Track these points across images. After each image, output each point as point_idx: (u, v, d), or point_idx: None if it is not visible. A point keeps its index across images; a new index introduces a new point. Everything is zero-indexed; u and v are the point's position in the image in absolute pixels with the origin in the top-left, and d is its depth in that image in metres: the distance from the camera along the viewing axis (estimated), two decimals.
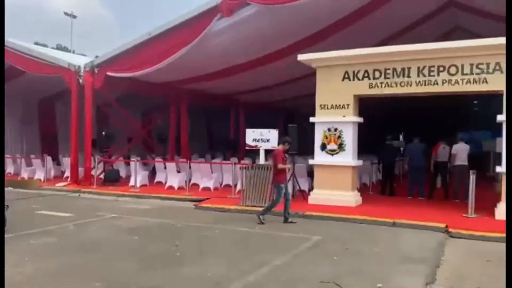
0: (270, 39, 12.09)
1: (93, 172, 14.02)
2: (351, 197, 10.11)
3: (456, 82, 9.07)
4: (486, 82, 8.79)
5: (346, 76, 10.12)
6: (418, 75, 9.41)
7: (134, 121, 16.99)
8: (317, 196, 10.24)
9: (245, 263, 5.71)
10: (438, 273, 5.34)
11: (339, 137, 10.23)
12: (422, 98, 11.66)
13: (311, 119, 10.55)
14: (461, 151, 11.02)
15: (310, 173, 11.32)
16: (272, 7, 10.56)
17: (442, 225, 7.86)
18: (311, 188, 10.99)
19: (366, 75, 9.93)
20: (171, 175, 13.15)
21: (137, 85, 14.62)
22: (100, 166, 14.62)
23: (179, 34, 11.85)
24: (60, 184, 13.77)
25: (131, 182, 13.35)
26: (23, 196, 11.73)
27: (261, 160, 10.84)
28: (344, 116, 10.14)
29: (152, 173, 14.92)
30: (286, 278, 5.13)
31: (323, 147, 10.38)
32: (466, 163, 10.87)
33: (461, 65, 9.02)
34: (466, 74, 8.97)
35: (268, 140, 10.75)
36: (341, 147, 10.21)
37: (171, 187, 12.87)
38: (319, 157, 10.43)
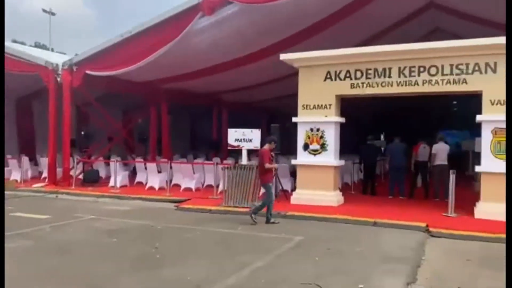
0: (252, 38, 12.02)
1: (71, 173, 13.73)
2: (333, 197, 10.13)
3: (436, 82, 9.17)
4: (466, 82, 8.91)
5: (328, 76, 10.13)
6: (399, 76, 9.48)
7: (114, 120, 16.69)
8: (300, 196, 10.23)
9: (226, 265, 5.63)
10: (418, 273, 5.36)
11: (321, 137, 10.24)
12: (403, 98, 11.76)
13: (294, 119, 10.54)
14: (441, 150, 11.16)
15: (293, 173, 11.30)
16: (254, 6, 10.49)
17: (423, 225, 7.92)
18: (293, 188, 10.98)
19: (348, 75, 9.96)
20: (151, 176, 12.97)
21: (118, 84, 14.37)
22: (79, 166, 14.33)
23: (160, 33, 11.68)
24: (37, 185, 13.44)
25: (111, 183, 13.11)
26: None
27: (244, 160, 10.76)
28: (326, 116, 10.15)
29: (133, 173, 14.70)
30: (267, 279, 5.07)
31: (306, 147, 10.37)
32: (446, 162, 11.01)
33: (441, 65, 9.12)
34: (446, 75, 9.08)
35: (250, 140, 10.68)
36: (323, 147, 10.22)
37: (151, 188, 12.68)
38: (302, 157, 10.42)
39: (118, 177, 13.07)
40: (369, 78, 9.75)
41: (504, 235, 7.21)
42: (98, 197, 11.77)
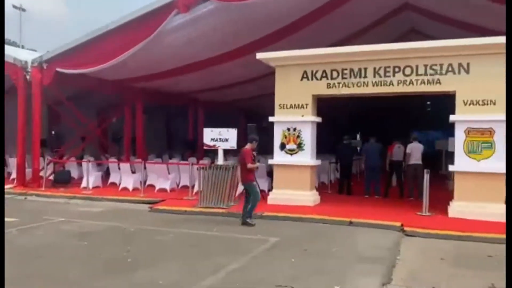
0: (229, 37, 11.88)
1: (42, 173, 13.28)
2: (309, 197, 10.11)
3: (411, 82, 9.25)
4: (439, 83, 9.02)
5: (305, 75, 10.11)
6: (374, 76, 9.53)
7: (87, 119, 16.25)
8: (276, 196, 10.16)
9: (200, 268, 5.49)
10: (394, 273, 5.36)
11: (298, 136, 10.20)
12: (379, 98, 11.85)
13: (270, 119, 10.47)
14: (415, 150, 11.29)
15: (270, 173, 11.23)
16: (230, 4, 10.36)
17: (398, 224, 7.97)
18: (270, 188, 10.91)
19: (324, 75, 9.95)
20: (125, 176, 12.67)
21: (91, 82, 13.98)
22: (50, 167, 13.88)
23: (134, 30, 11.40)
24: (5, 187, 12.93)
25: (83, 184, 12.75)
26: None
27: (220, 160, 10.61)
28: (303, 115, 10.12)
29: (106, 174, 14.34)
30: (242, 282, 4.96)
31: (282, 146, 10.32)
32: (420, 162, 11.16)
33: (416, 66, 9.21)
34: (421, 75, 9.17)
35: (227, 140, 10.53)
36: (300, 146, 10.19)
37: (125, 189, 12.38)
38: (278, 157, 10.36)
39: (91, 177, 12.73)
40: (345, 78, 9.77)
41: (477, 234, 7.37)
42: (70, 199, 11.41)
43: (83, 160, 13.98)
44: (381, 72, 9.47)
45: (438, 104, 16.38)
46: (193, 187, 11.36)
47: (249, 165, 8.20)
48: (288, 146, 10.26)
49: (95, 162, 14.77)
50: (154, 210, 9.79)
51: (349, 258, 6.00)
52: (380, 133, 13.54)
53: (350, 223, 8.30)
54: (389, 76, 9.41)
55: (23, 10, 34.73)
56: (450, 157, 11.47)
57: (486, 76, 8.59)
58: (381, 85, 9.49)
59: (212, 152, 13.45)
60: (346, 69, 9.74)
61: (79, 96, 15.79)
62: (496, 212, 8.27)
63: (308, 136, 10.15)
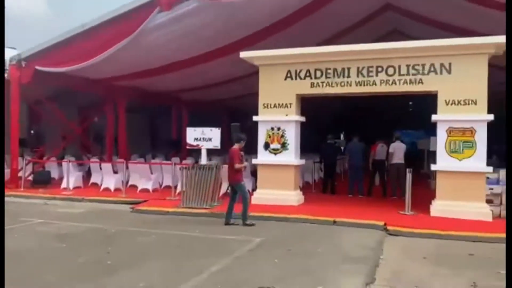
0: (212, 36, 11.77)
1: (21, 174, 12.97)
2: (293, 196, 10.08)
3: (394, 82, 9.30)
4: (422, 82, 9.09)
5: (289, 75, 10.08)
6: (358, 75, 9.55)
7: (69, 119, 15.93)
8: (260, 196, 10.10)
9: (183, 269, 5.40)
10: (377, 273, 5.35)
11: (282, 136, 10.17)
12: (362, 98, 11.91)
13: (254, 118, 10.42)
14: (397, 149, 11.38)
15: (254, 173, 11.17)
16: (213, 3, 10.26)
17: (381, 223, 8.00)
18: (254, 188, 10.85)
19: (308, 74, 9.94)
20: (107, 176, 12.45)
21: (72, 81, 13.70)
22: (29, 167, 13.56)
23: (116, 28, 11.21)
24: None
25: (63, 184, 12.49)
26: None
27: (203, 160, 10.50)
28: (287, 115, 10.09)
29: (88, 174, 14.09)
30: (225, 283, 4.89)
31: (266, 146, 10.28)
32: (402, 161, 11.24)
33: (398, 66, 9.26)
34: (403, 75, 9.22)
35: (210, 139, 10.42)
36: (284, 146, 10.15)
37: (107, 189, 12.17)
38: (262, 156, 10.31)
39: (71, 178, 12.48)
40: (329, 78, 9.77)
41: (458, 233, 7.43)
42: (49, 200, 11.16)
43: (63, 160, 13.70)
44: (364, 72, 9.50)
45: (421, 104, 16.55)
46: (176, 187, 11.22)
47: (237, 165, 8.12)
48: (272, 146, 10.22)
49: (76, 162, 14.50)
50: (136, 211, 9.63)
51: (333, 258, 5.98)
52: (364, 132, 13.61)
53: (334, 222, 8.30)
54: (372, 76, 9.45)
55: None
56: (432, 156, 11.58)
57: (467, 76, 8.68)
58: (364, 84, 9.52)
59: (196, 152, 13.32)
60: (329, 69, 9.75)
61: (60, 95, 15.47)
62: (477, 211, 8.40)
63: (292, 136, 10.13)
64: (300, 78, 9.99)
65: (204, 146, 10.45)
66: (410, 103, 25.83)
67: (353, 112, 25.29)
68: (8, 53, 13.58)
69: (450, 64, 8.85)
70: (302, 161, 10.72)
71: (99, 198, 11.03)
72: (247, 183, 11.11)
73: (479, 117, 8.58)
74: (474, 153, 8.60)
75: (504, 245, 6.77)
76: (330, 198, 11.42)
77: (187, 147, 11.33)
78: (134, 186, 12.38)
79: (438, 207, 8.76)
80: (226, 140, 11.97)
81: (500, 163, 11.69)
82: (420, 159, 15.96)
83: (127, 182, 12.43)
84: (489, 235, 7.24)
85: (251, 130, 10.74)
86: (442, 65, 8.91)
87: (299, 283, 4.97)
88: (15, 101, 12.62)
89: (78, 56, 11.89)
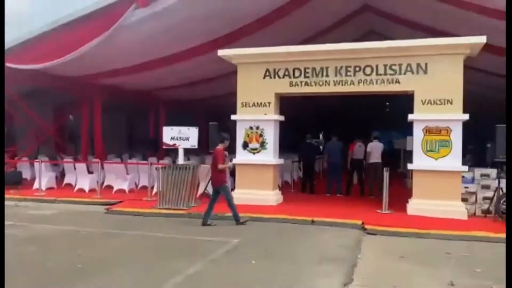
0: (191, 34, 11.57)
1: None
2: (272, 196, 10.01)
3: (371, 82, 9.33)
4: (398, 82, 9.14)
5: (267, 73, 10.00)
6: (336, 75, 9.55)
7: (42, 117, 15.46)
8: (239, 196, 9.94)
9: (156, 273, 5.23)
10: (355, 273, 5.31)
11: (260, 135, 10.09)
12: (340, 98, 11.92)
13: (233, 117, 10.31)
14: (375, 149, 11.46)
15: (232, 173, 11.04)
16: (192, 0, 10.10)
17: (359, 222, 8.00)
18: (233, 188, 10.71)
19: (286, 73, 9.88)
20: (81, 177, 12.11)
21: (46, 79, 13.28)
22: None
23: (91, 25, 10.85)
24: None
25: (36, 185, 12.10)
26: None
27: (180, 159, 10.32)
28: (265, 114, 10.01)
29: (62, 175, 13.70)
30: (200, 287, 4.76)
31: (245, 145, 10.17)
32: (380, 160, 11.32)
33: (376, 65, 9.29)
34: (380, 75, 9.26)
35: (187, 139, 10.26)
36: (263, 145, 10.07)
37: (81, 190, 11.84)
38: (241, 156, 10.21)
39: (44, 178, 12.10)
40: (307, 77, 9.74)
41: (434, 231, 7.48)
42: (20, 201, 10.79)
43: (35, 160, 13.28)
44: (342, 71, 9.50)
45: (398, 103, 16.74)
46: (152, 187, 11.00)
47: (220, 166, 7.98)
48: (250, 145, 10.13)
49: (49, 162, 14.08)
50: (111, 212, 9.39)
51: (311, 258, 5.92)
52: (342, 132, 13.67)
53: (312, 222, 8.25)
54: (350, 76, 9.46)
55: None
56: (408, 155, 11.70)
57: (443, 76, 8.78)
58: (342, 84, 9.52)
59: (174, 152, 13.11)
60: (308, 68, 9.72)
61: (34, 93, 14.98)
62: (453, 209, 8.49)
63: (271, 135, 10.06)
64: (279, 77, 9.93)
65: (181, 145, 10.28)
66: (387, 103, 26.15)
67: (331, 111, 25.43)
68: None
69: (426, 64, 8.93)
70: (281, 161, 10.67)
71: (73, 199, 10.72)
72: None
73: (455, 116, 8.68)
74: (450, 152, 8.70)
75: (479, 244, 6.89)
76: (308, 197, 11.41)
77: (164, 147, 11.12)
78: (109, 187, 12.09)
79: (415, 206, 8.82)
80: (205, 140, 11.82)
81: (475, 162, 11.92)
82: (397, 158, 16.14)
83: (103, 182, 12.13)
84: (465, 234, 7.32)
85: (230, 129, 10.62)
86: (418, 65, 8.98)
87: (275, 285, 4.89)
88: None
89: (50, 53, 11.50)
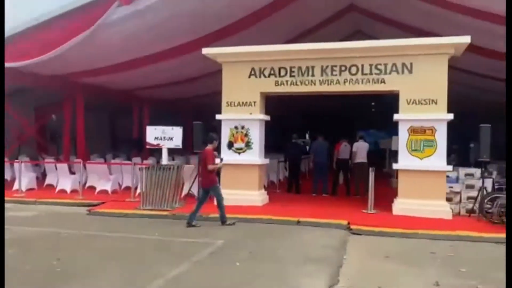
0: (175, 32, 11.41)
1: None
2: (258, 197, 9.93)
3: (357, 81, 9.31)
4: (384, 82, 9.14)
5: (253, 72, 9.91)
6: (322, 74, 9.51)
7: (22, 117, 15.09)
8: (224, 197, 9.74)
9: (138, 277, 5.09)
10: (341, 274, 5.26)
11: (246, 135, 9.99)
12: (326, 97, 11.88)
13: (218, 116, 10.19)
14: (361, 148, 11.47)
15: (217, 173, 10.90)
16: None
17: (344, 222, 7.96)
18: None
19: (272, 72, 9.81)
20: (63, 177, 11.84)
21: (26, 78, 12.96)
22: None
23: (72, 22, 10.61)
24: None
25: (15, 186, 11.79)
26: None
27: (164, 160, 10.16)
28: (251, 113, 9.92)
29: (44, 175, 13.40)
30: None
31: (230, 145, 10.06)
32: (365, 160, 11.34)
33: (361, 65, 9.28)
34: (366, 74, 9.25)
35: (171, 139, 10.10)
36: (248, 145, 9.98)
37: (63, 191, 11.57)
38: (226, 156, 10.04)
39: (24, 179, 11.80)
40: (293, 76, 9.68)
41: (419, 231, 7.49)
42: None
43: (15, 160, 12.96)
44: (328, 70, 9.47)
45: (384, 103, 16.83)
46: (136, 188, 10.81)
47: (210, 166, 7.88)
48: (236, 145, 10.03)
49: (29, 162, 13.75)
50: (93, 213, 9.19)
51: (296, 260, 5.84)
52: (328, 131, 13.67)
53: (298, 222, 8.19)
54: (336, 75, 9.43)
55: None
56: (393, 155, 11.73)
57: (428, 76, 8.80)
58: (328, 83, 9.49)
59: (158, 152, 12.91)
60: (294, 67, 9.66)
61: (15, 92, 14.62)
62: (438, 209, 8.52)
63: (257, 135, 9.97)
64: (265, 76, 9.85)
65: (165, 145, 10.12)
66: (373, 104, 26.28)
67: (317, 111, 25.46)
68: None
69: (411, 64, 8.94)
70: (267, 161, 10.59)
71: (54, 200, 10.47)
72: None
73: (440, 116, 8.71)
74: (435, 151, 8.72)
75: (464, 243, 6.91)
76: (294, 197, 11.36)
77: (147, 147, 10.95)
78: (92, 188, 11.85)
79: (400, 206, 8.83)
80: (189, 140, 11.66)
81: (459, 162, 12.02)
82: (382, 158, 16.22)
83: (85, 183, 11.90)
84: (450, 233, 7.34)
85: (216, 129, 10.50)
86: (403, 64, 9.00)
87: (259, 287, 4.80)
88: None
89: (29, 51, 11.23)
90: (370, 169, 9.35)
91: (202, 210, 8.15)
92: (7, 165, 13.97)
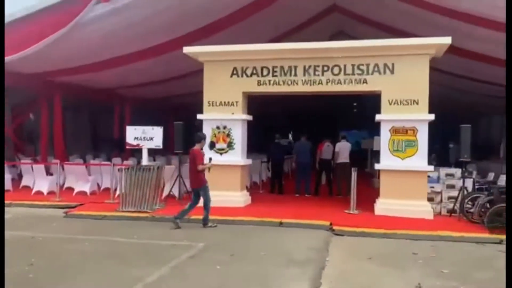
0: (156, 30, 11.19)
1: None
2: (240, 198, 9.81)
3: (339, 81, 9.28)
4: (366, 82, 9.13)
5: (235, 72, 9.79)
6: (304, 74, 9.45)
7: None
8: None
9: (115, 282, 4.93)
10: (323, 276, 5.19)
11: (228, 135, 9.86)
12: (309, 97, 11.86)
13: (199, 116, 10.03)
14: (343, 149, 11.47)
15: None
16: None
17: (327, 223, 7.91)
18: None
19: (254, 72, 9.70)
20: (39, 179, 11.50)
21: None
22: None
23: (48, 20, 10.32)
24: None
25: None
26: None
27: (144, 160, 9.96)
28: (233, 113, 9.79)
29: (20, 177, 13.01)
30: None
31: (212, 145, 9.92)
32: (348, 160, 11.34)
33: (344, 65, 9.25)
34: (348, 74, 9.23)
35: (151, 139, 9.90)
36: (230, 145, 9.85)
37: (39, 192, 11.23)
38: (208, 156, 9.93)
39: None
40: (275, 76, 9.60)
41: (401, 231, 7.48)
42: None
43: None
44: (311, 70, 9.41)
45: (366, 103, 16.92)
46: (115, 189, 10.56)
47: (200, 166, 7.73)
48: (217, 145, 9.89)
49: (5, 163, 13.32)
50: (70, 216, 8.92)
51: (278, 262, 5.75)
52: (311, 131, 13.64)
53: (280, 224, 8.11)
54: (318, 75, 9.38)
55: None
56: (375, 155, 11.77)
57: (409, 76, 8.82)
58: (311, 83, 9.43)
59: (139, 152, 12.67)
60: (276, 67, 9.58)
61: None
62: (420, 209, 8.55)
63: (239, 135, 9.85)
64: (247, 76, 9.74)
65: (145, 145, 9.92)
66: (355, 104, 26.47)
67: (300, 111, 25.49)
68: None
69: (393, 64, 8.95)
70: (249, 161, 10.48)
71: (30, 203, 10.13)
72: None
73: (421, 116, 8.75)
74: (416, 152, 8.75)
75: (445, 243, 6.92)
76: (277, 198, 11.27)
77: (127, 147, 10.73)
78: (70, 189, 11.56)
79: (382, 206, 8.83)
80: (171, 140, 11.48)
81: (439, 162, 12.12)
82: (364, 158, 16.29)
83: (63, 184, 11.60)
84: (432, 233, 7.35)
85: (199, 129, 10.35)
86: (385, 65, 9.00)
87: None
88: None
89: (8, 49, 10.86)
90: (353, 169, 9.33)
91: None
92: None
